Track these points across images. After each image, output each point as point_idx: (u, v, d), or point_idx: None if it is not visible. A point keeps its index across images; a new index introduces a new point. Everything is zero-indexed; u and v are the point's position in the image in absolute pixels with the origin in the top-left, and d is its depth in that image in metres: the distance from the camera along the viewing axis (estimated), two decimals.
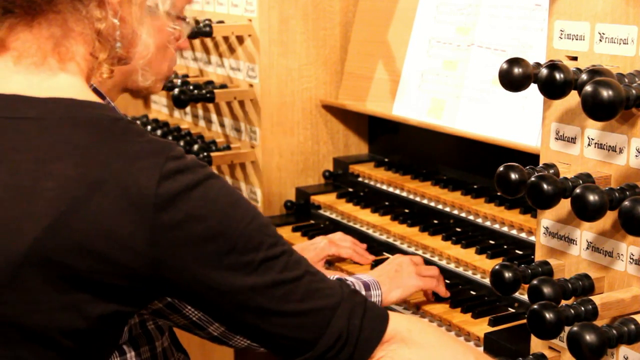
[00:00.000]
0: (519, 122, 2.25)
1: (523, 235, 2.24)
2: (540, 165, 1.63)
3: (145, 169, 1.25)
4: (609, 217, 1.53)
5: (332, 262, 2.46)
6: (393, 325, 1.43)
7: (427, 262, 2.34)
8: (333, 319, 1.36)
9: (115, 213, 1.23)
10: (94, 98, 1.35)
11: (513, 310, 2.09)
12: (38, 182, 1.24)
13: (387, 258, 2.47)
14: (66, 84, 1.33)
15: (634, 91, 1.38)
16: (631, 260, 1.53)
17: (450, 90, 2.49)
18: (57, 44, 1.32)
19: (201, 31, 2.79)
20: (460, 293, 2.20)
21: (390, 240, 2.51)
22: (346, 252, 2.43)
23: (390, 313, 1.45)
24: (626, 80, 1.44)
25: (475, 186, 2.51)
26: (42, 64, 1.32)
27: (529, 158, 1.92)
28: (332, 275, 2.00)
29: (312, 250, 2.40)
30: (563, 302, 1.51)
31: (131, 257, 1.25)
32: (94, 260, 1.24)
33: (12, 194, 1.24)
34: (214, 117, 3.14)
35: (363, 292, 1.99)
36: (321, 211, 2.84)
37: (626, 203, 1.34)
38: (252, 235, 1.33)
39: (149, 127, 3.25)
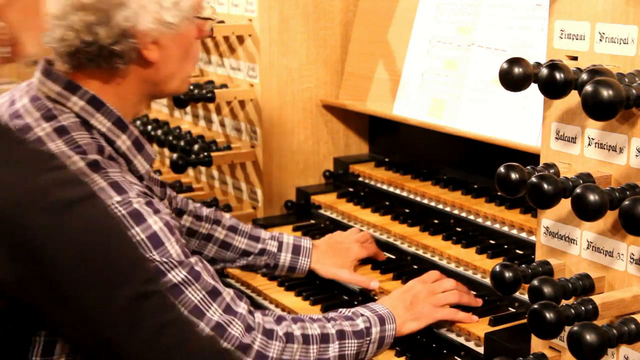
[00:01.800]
0: (519, 121, 2.25)
1: (523, 235, 2.24)
2: (541, 165, 1.63)
3: (27, 176, 1.21)
4: (610, 217, 1.53)
5: None
6: None
7: (427, 261, 2.35)
8: None
9: None
10: None
11: (513, 310, 2.09)
12: None
13: (388, 258, 2.48)
14: None
15: (634, 91, 1.38)
16: (631, 260, 1.53)
17: (451, 90, 2.49)
18: None
19: None
20: None
21: (391, 240, 2.51)
22: (374, 251, 2.44)
23: None
24: (626, 80, 1.44)
25: (475, 186, 2.51)
26: None
27: (530, 158, 1.92)
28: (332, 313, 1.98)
29: (344, 253, 2.39)
30: (563, 302, 1.51)
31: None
32: None
33: None
34: (214, 117, 3.14)
35: (378, 327, 1.96)
36: (321, 211, 2.84)
37: (626, 203, 1.34)
38: (130, 264, 1.29)
39: (149, 127, 3.25)
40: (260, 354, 1.81)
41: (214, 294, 1.78)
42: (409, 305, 2.05)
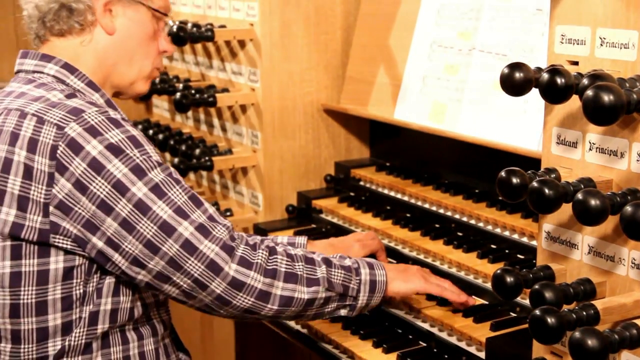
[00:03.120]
0: (520, 126, 2.25)
1: (524, 239, 2.24)
2: (542, 169, 1.63)
3: None
4: (611, 222, 1.53)
5: None
6: None
7: (429, 266, 2.34)
8: None
9: None
10: None
11: (515, 315, 2.09)
12: None
13: (389, 262, 2.47)
14: None
15: (634, 96, 1.38)
16: (633, 265, 1.53)
17: (452, 95, 2.50)
18: None
19: (203, 35, 2.80)
20: None
21: (392, 244, 2.51)
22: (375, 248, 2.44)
23: None
24: (627, 84, 1.44)
25: (476, 190, 2.51)
26: None
27: (531, 162, 1.93)
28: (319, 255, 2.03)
29: (343, 251, 2.36)
30: (565, 307, 1.51)
31: None
32: None
33: None
34: (215, 121, 3.14)
35: (367, 269, 2.02)
36: (323, 215, 2.84)
37: (628, 208, 1.34)
38: None
39: (150, 131, 3.25)
40: (244, 259, 1.85)
41: (196, 200, 1.85)
42: (401, 269, 2.12)
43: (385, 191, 2.76)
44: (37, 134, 1.79)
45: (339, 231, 2.68)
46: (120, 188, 1.77)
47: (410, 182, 2.72)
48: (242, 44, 2.90)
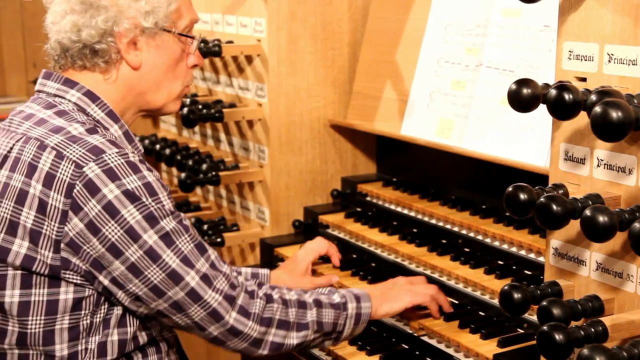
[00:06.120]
0: (527, 142, 2.25)
1: (532, 255, 2.23)
2: (550, 185, 1.63)
3: None
4: (619, 238, 1.52)
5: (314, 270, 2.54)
6: None
7: (435, 282, 2.34)
8: None
9: None
10: None
11: (522, 331, 2.08)
12: None
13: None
14: None
15: None
16: None
17: (459, 110, 2.50)
18: None
19: (210, 51, 2.81)
20: (469, 313, 2.20)
21: (399, 260, 2.51)
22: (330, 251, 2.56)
23: None
24: (635, 101, 1.44)
25: (483, 206, 2.51)
26: None
27: (538, 178, 1.92)
28: (325, 289, 2.11)
29: (294, 265, 2.48)
30: (573, 324, 1.50)
31: None
32: None
33: None
34: (222, 136, 3.15)
35: (354, 303, 2.06)
36: (329, 230, 2.84)
37: (636, 224, 1.34)
38: None
39: (157, 146, 3.26)
40: (243, 309, 1.90)
41: (201, 248, 1.88)
42: (386, 291, 2.16)
43: (392, 207, 2.76)
44: (55, 169, 1.79)
45: (346, 246, 2.68)
46: (132, 234, 1.79)
47: (417, 198, 2.72)
48: (249, 59, 2.91)
